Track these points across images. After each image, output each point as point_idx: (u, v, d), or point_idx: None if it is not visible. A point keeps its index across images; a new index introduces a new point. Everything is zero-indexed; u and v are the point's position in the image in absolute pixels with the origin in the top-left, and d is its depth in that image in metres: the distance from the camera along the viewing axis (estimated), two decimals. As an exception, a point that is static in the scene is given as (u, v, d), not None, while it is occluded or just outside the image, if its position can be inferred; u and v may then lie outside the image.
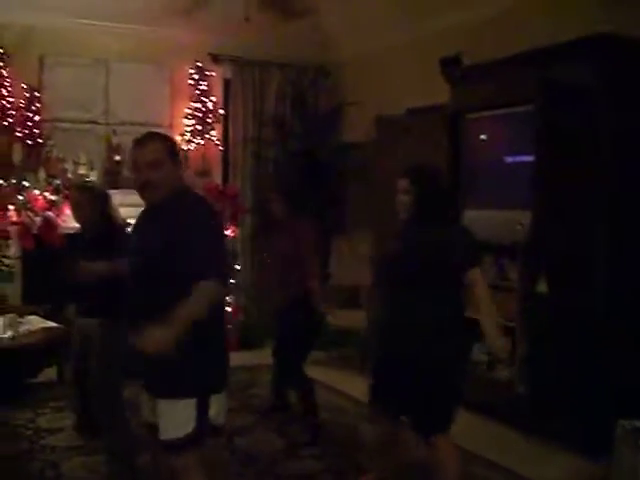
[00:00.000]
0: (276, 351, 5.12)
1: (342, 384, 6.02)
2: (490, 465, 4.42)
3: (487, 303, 3.45)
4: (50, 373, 5.85)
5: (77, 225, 5.44)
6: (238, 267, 7.24)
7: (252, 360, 6.43)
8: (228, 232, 7.00)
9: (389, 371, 3.62)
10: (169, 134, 7.07)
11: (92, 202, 4.47)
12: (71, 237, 5.40)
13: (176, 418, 2.85)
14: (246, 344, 7.20)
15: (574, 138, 4.64)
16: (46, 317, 6.07)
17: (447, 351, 3.43)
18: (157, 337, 2.64)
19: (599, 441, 4.14)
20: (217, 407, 2.93)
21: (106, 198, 4.58)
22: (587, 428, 4.49)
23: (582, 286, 4.60)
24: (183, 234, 2.79)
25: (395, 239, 3.73)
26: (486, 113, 5.49)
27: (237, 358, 6.71)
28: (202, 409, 2.86)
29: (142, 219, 3.09)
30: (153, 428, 2.96)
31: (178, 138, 7.18)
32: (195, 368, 2.83)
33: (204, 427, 2.87)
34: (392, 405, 3.62)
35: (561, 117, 4.67)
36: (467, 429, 5.07)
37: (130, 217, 6.35)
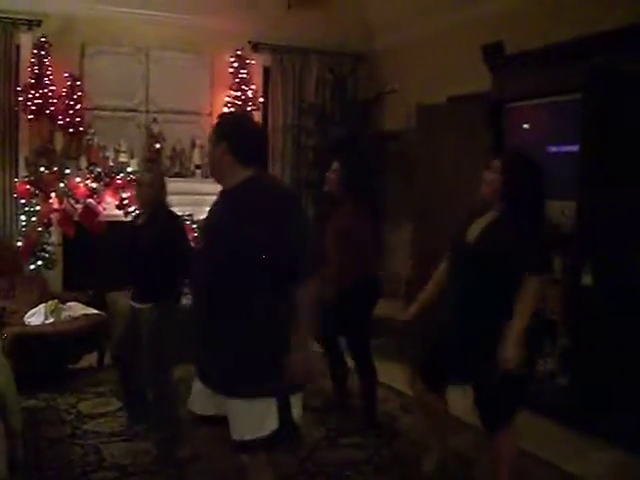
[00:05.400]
0: (330, 338, 5.03)
1: (381, 374, 5.99)
2: (530, 457, 4.35)
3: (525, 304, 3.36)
4: (91, 359, 5.92)
5: (119, 212, 5.51)
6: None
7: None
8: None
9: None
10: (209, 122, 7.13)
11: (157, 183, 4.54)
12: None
13: (254, 418, 2.76)
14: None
15: (622, 128, 4.54)
16: (87, 304, 6.13)
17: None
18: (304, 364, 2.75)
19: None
20: (298, 407, 2.85)
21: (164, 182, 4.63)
22: (631, 423, 4.41)
23: (629, 278, 4.52)
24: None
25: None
26: (529, 102, 5.42)
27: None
28: (284, 409, 2.77)
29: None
30: (209, 420, 2.92)
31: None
32: (276, 365, 2.74)
33: (287, 428, 2.78)
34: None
35: (609, 107, 4.58)
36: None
37: (171, 205, 6.42)
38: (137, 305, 4.40)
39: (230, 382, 2.79)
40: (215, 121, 3.10)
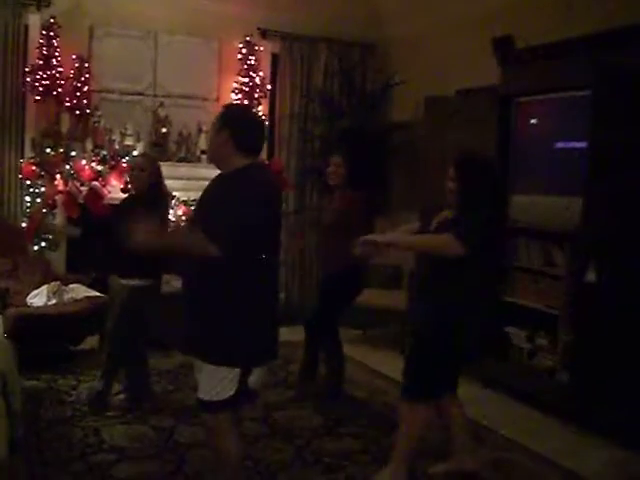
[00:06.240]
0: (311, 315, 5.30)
1: (381, 364, 6.01)
2: (529, 453, 4.37)
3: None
4: (93, 341, 5.94)
5: (124, 195, 5.56)
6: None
7: (291, 336, 6.42)
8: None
9: None
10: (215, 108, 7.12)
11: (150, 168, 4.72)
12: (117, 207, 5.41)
13: (218, 382, 2.97)
14: (286, 320, 7.23)
15: (630, 125, 4.52)
16: (90, 286, 6.14)
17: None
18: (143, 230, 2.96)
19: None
20: (258, 374, 3.07)
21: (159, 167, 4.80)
22: (632, 421, 4.41)
23: (633, 276, 4.50)
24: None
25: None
26: (538, 97, 5.41)
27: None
28: (244, 377, 2.99)
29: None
30: None
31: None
32: (244, 339, 2.97)
33: (241, 393, 3.00)
34: None
35: (618, 104, 4.56)
36: (507, 416, 5.06)
37: (176, 189, 6.42)
38: (121, 281, 4.71)
39: (202, 349, 3.02)
40: (221, 109, 3.26)
